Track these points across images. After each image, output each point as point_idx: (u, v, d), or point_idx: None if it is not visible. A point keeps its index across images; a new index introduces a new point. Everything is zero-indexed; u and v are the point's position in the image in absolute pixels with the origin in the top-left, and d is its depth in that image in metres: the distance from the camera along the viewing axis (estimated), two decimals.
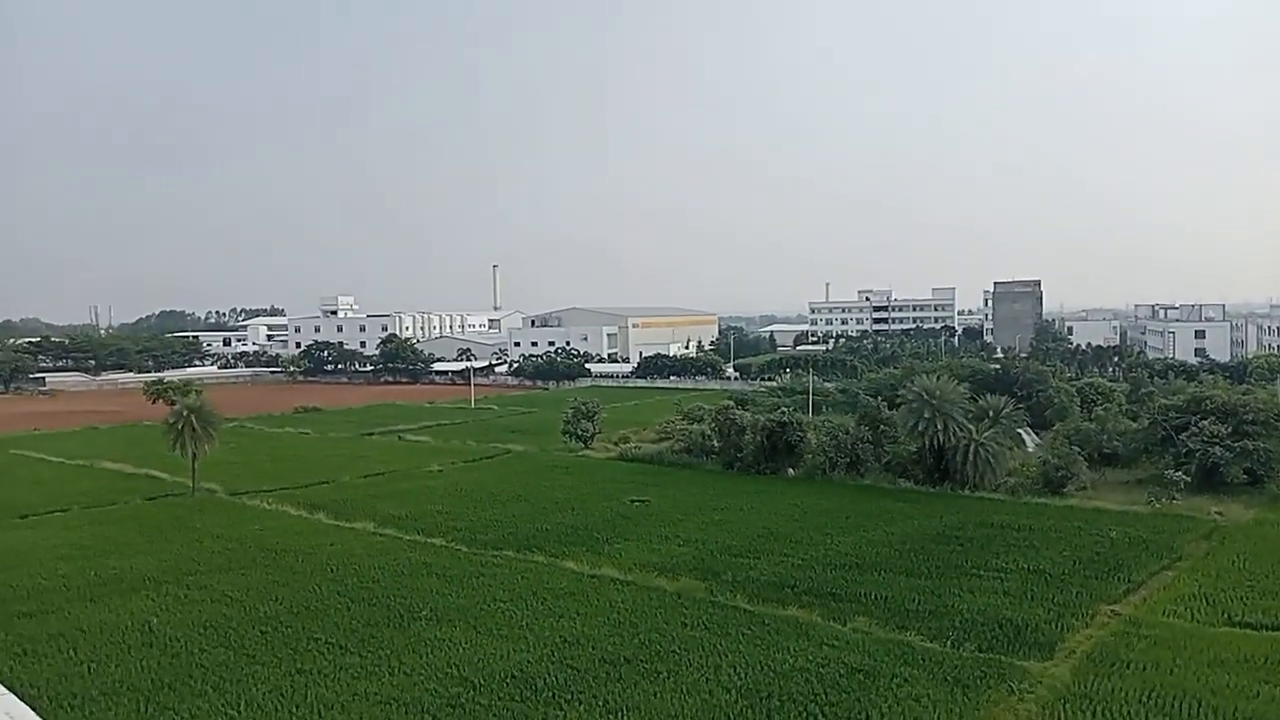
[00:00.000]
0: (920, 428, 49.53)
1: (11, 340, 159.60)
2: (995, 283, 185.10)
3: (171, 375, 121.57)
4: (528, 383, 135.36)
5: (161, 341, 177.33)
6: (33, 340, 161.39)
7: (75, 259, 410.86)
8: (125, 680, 22.48)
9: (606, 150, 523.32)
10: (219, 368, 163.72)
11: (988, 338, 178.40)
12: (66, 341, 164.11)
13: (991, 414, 53.38)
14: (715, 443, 58.09)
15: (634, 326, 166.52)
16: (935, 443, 49.23)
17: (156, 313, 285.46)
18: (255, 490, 48.89)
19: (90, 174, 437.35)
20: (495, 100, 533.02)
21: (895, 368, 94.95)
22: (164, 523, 41.42)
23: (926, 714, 20.21)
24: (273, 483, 51.08)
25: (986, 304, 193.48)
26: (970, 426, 50.12)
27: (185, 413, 48.66)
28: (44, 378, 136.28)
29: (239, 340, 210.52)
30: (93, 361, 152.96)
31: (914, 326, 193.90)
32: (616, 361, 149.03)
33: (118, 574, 32.57)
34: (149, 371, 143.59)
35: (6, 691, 2.15)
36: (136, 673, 22.91)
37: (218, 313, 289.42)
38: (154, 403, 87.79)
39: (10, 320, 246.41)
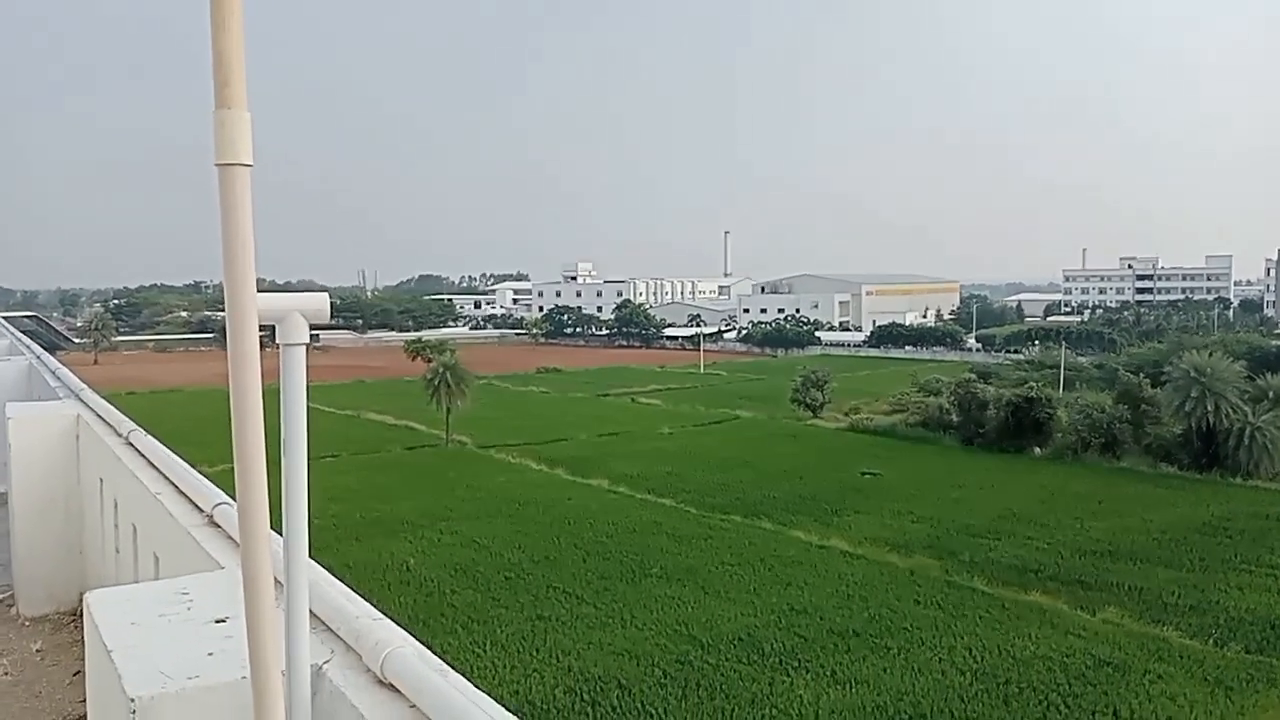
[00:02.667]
0: (1187, 408, 45.51)
1: None
2: None
3: (429, 335, 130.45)
4: (756, 350, 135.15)
5: (420, 303, 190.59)
6: None
7: (345, 224, 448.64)
8: (386, 615, 24.57)
9: (841, 124, 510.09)
10: (470, 329, 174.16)
11: (1269, 311, 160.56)
12: (337, 302, 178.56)
13: (1271, 395, 48.22)
14: (954, 417, 55.76)
15: (867, 294, 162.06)
16: (1204, 425, 45.09)
17: (415, 276, 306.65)
18: (501, 444, 51.84)
19: (362, 142, 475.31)
20: (741, 70, 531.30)
21: (1160, 342, 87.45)
22: (421, 471, 44.79)
23: (1183, 714, 18.78)
24: (517, 438, 53.95)
25: (1269, 274, 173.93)
26: (1246, 408, 45.55)
27: (442, 370, 52.25)
28: (318, 334, 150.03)
29: (488, 303, 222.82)
30: (360, 320, 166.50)
31: (1183, 298, 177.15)
32: (848, 330, 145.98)
33: (380, 516, 35.57)
34: (409, 331, 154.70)
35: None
36: (396, 608, 25.00)
37: (469, 277, 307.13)
38: (413, 360, 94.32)
39: (290, 281, 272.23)
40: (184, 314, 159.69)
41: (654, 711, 19.18)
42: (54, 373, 9.49)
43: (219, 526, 3.14)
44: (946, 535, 33.37)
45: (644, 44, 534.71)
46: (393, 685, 1.83)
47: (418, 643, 1.95)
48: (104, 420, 5.21)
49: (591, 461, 46.79)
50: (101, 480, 4.72)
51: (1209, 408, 44.82)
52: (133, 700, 1.81)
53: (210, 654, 1.98)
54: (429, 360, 71.61)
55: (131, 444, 4.42)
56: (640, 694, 19.90)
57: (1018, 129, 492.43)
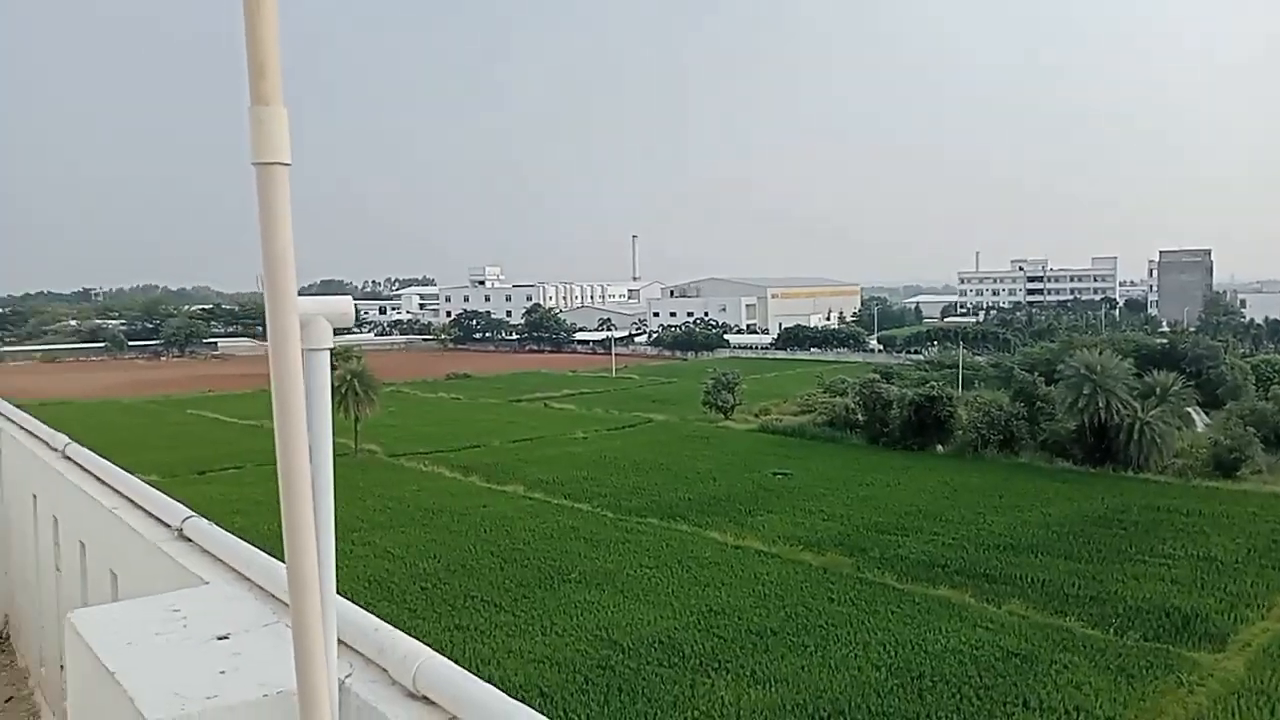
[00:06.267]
0: (1080, 404, 47.38)
1: (186, 307, 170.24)
2: (1161, 252, 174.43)
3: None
4: (666, 353, 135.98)
5: None
6: (205, 307, 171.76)
7: (241, 229, 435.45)
8: None
9: (743, 124, 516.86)
10: (376, 335, 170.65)
11: (1152, 310, 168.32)
12: (236, 309, 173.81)
13: (1158, 391, 50.53)
14: (859, 416, 57.03)
15: (773, 297, 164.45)
16: (1097, 421, 47.02)
17: (318, 281, 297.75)
18: (412, 452, 50.99)
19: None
20: (638, 77, 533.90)
21: (1052, 341, 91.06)
22: None
23: (1089, 702, 19.52)
24: (428, 445, 53.15)
25: (1151, 275, 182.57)
26: (1135, 404, 47.62)
27: (348, 377, 51.05)
28: (216, 343, 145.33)
29: (393, 309, 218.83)
30: (260, 328, 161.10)
31: (1071, 298, 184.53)
32: (755, 333, 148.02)
33: None
34: None
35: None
36: None
37: (373, 282, 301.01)
38: None
39: (184, 288, 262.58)
40: (73, 323, 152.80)
41: (577, 718, 19.11)
42: None
43: (189, 541, 3.02)
44: (856, 532, 34.12)
45: (559, 44, 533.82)
46: (425, 697, 1.79)
47: (440, 655, 1.91)
48: (31, 434, 4.95)
49: (506, 468, 46.40)
50: (35, 496, 4.49)
51: (1100, 404, 46.74)
52: None
53: (222, 672, 1.90)
54: (334, 367, 69.50)
55: (69, 457, 4.22)
56: (562, 701, 19.81)
57: (937, 129, 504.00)
